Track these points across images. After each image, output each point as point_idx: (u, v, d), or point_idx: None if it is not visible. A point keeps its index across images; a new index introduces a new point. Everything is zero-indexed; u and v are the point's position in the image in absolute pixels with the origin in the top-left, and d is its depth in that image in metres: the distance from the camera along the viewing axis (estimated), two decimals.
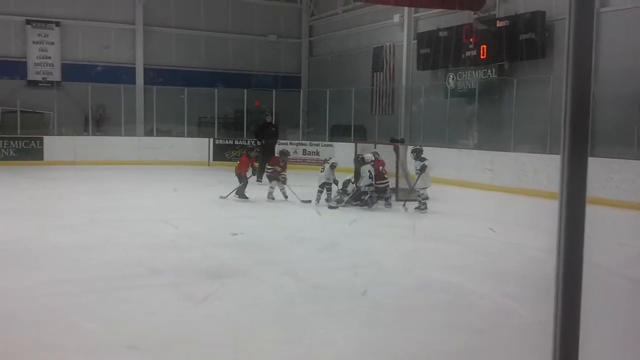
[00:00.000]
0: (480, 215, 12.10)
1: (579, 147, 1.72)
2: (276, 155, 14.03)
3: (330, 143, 21.41)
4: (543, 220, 10.43)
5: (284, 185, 12.84)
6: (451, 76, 19.00)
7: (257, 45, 26.89)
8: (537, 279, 7.01)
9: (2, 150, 20.51)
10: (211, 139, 22.59)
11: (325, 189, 12.54)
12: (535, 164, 14.76)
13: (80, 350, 4.70)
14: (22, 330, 5.09)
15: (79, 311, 5.58)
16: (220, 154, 22.42)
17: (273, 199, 12.89)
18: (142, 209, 11.87)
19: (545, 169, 14.31)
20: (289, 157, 14.10)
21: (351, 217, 11.23)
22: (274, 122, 18.23)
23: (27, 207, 11.88)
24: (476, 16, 18.13)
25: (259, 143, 16.96)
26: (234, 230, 9.63)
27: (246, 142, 21.98)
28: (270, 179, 13.04)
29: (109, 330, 5.14)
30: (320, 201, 12.50)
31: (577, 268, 1.75)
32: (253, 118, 23.97)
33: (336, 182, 12.70)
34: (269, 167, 13.32)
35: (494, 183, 15.62)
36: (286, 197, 12.78)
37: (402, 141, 15.35)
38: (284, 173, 12.92)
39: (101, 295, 6.12)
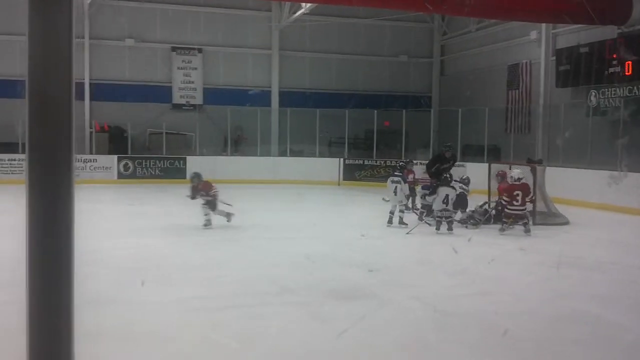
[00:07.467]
0: (626, 241, 11.30)
1: None
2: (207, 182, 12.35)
3: (462, 163, 20.89)
4: None
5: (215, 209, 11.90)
6: (593, 94, 17.99)
7: (387, 66, 26.99)
8: None
9: (149, 169, 21.97)
10: (341, 159, 22.89)
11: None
12: None
13: None
14: (161, 344, 5.37)
15: (215, 326, 5.81)
16: (351, 173, 22.66)
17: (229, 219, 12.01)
18: (276, 228, 12.21)
19: None
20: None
21: (485, 241, 10.88)
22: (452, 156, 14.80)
23: (165, 223, 12.53)
24: (620, 31, 17.10)
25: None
26: (364, 251, 9.66)
27: (376, 162, 22.00)
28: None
29: (245, 346, 5.31)
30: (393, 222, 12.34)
31: None
32: (382, 138, 24.05)
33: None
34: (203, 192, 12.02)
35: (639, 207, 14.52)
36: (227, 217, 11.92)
37: (539, 162, 14.65)
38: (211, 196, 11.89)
39: (235, 312, 6.34)
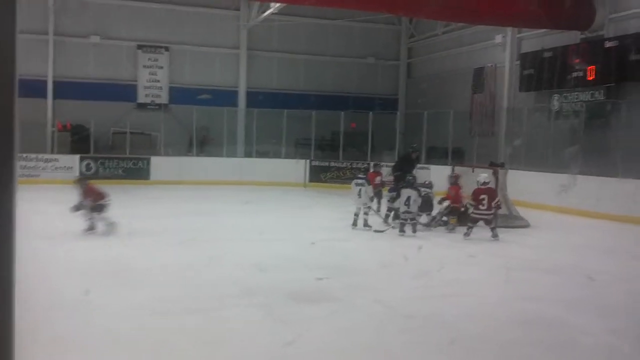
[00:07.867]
0: (584, 244, 11.52)
1: None
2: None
3: (426, 165, 21.10)
4: None
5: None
6: (556, 98, 18.31)
7: (355, 68, 27.07)
8: None
9: (112, 169, 21.63)
10: (307, 161, 22.89)
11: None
12: None
13: None
14: (121, 349, 5.28)
15: (178, 331, 5.73)
16: (316, 175, 22.68)
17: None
18: (240, 229, 12.14)
19: None
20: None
21: (448, 244, 10.99)
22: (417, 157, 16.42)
23: (130, 226, 12.31)
24: (583, 36, 17.44)
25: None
26: (328, 253, 9.67)
27: (342, 164, 22.05)
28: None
29: (205, 349, 5.26)
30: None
31: None
32: (349, 140, 24.12)
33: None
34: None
35: (597, 210, 14.80)
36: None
37: (502, 165, 14.86)
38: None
39: (198, 315, 6.27)
